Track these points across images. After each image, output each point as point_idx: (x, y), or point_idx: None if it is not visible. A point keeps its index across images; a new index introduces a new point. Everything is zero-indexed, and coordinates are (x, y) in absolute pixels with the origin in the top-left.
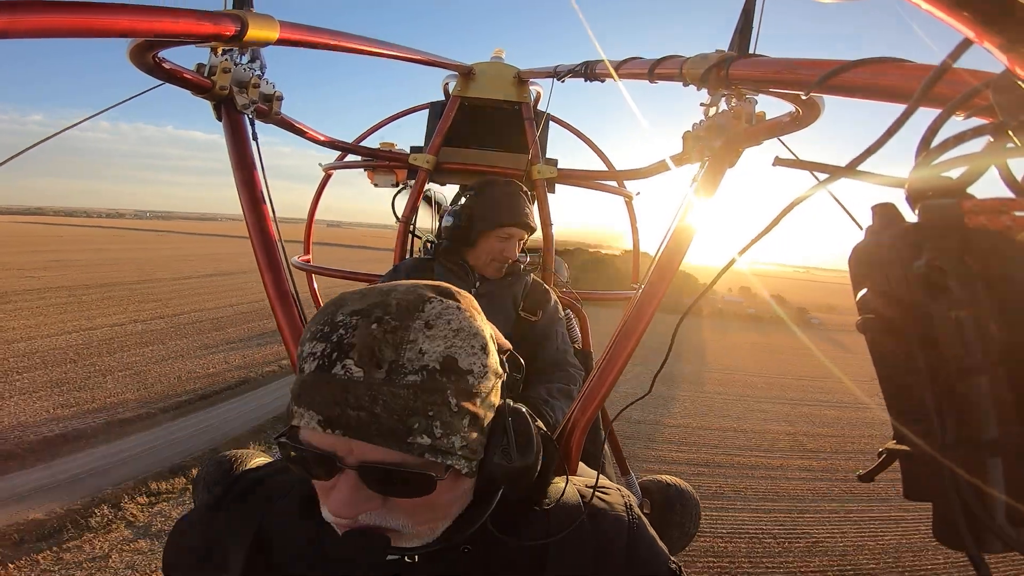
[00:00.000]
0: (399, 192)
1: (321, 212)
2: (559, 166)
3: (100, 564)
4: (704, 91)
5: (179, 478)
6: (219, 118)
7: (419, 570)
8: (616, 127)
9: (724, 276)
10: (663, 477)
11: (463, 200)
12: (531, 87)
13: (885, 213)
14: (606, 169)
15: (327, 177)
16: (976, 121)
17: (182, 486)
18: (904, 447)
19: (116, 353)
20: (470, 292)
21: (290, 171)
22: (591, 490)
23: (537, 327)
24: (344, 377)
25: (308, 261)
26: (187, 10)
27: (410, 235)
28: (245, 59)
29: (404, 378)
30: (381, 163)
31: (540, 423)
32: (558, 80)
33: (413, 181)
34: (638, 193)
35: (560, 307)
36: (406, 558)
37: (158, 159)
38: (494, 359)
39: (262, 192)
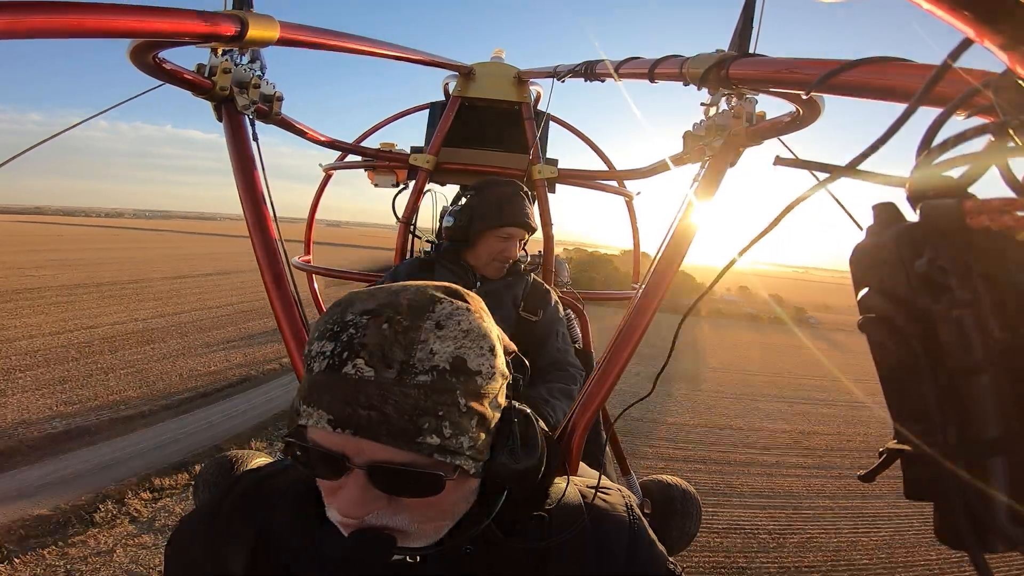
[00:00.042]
0: (399, 192)
1: (321, 212)
2: (559, 166)
3: (105, 559)
4: (704, 91)
5: (182, 474)
6: (219, 119)
7: (421, 570)
8: (616, 127)
9: (724, 276)
10: (664, 477)
11: (463, 200)
12: (531, 87)
13: (886, 213)
14: (606, 169)
15: (327, 177)
16: (977, 120)
17: (185, 482)
18: (905, 447)
19: (117, 351)
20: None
21: (290, 171)
22: (592, 491)
23: (538, 327)
24: (355, 376)
25: (308, 261)
26: (187, 10)
27: (410, 235)
28: (245, 60)
29: (415, 378)
30: (381, 163)
31: (543, 424)
32: (558, 80)
33: (413, 181)
34: (638, 193)
35: (561, 307)
36: (407, 558)
37: (157, 158)
38: (501, 361)
39: (262, 192)
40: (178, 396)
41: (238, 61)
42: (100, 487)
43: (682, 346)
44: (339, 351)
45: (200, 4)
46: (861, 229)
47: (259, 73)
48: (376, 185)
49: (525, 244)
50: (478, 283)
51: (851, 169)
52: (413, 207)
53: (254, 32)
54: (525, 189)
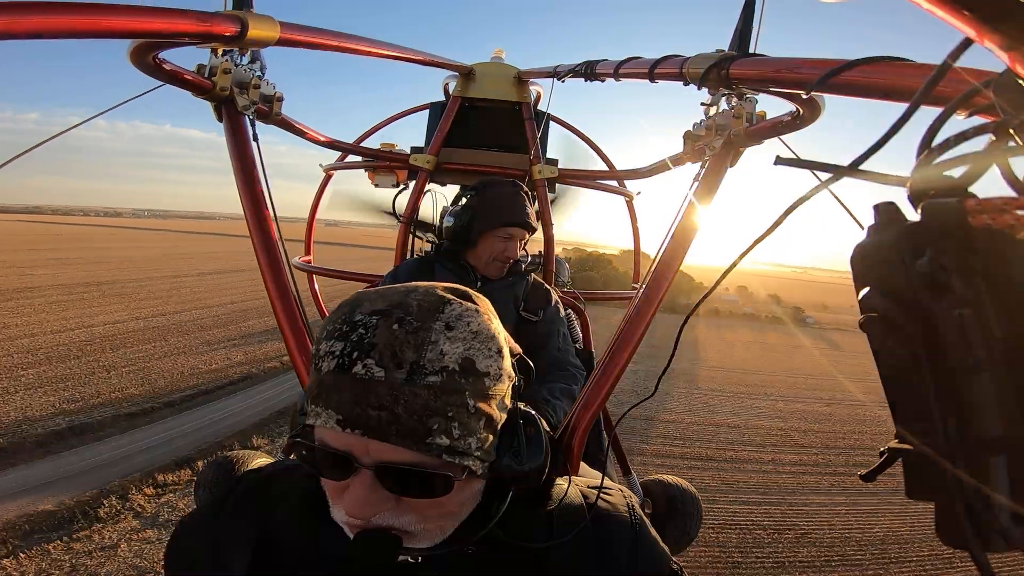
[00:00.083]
0: (399, 192)
1: (320, 211)
2: (559, 166)
3: (109, 553)
4: (704, 91)
5: (184, 470)
6: (220, 119)
7: (423, 571)
8: (616, 127)
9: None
10: (665, 477)
11: (464, 200)
12: (531, 87)
13: (887, 212)
14: (606, 169)
15: (327, 178)
16: (977, 120)
17: (188, 478)
18: (906, 446)
19: (119, 349)
20: None
21: (290, 171)
22: (594, 491)
23: (538, 327)
24: (365, 376)
25: (309, 262)
26: (187, 11)
27: (410, 235)
28: (245, 60)
29: (425, 379)
30: (382, 164)
31: (546, 425)
32: (558, 80)
33: (414, 181)
34: (639, 193)
35: (561, 307)
36: (409, 559)
37: (155, 157)
38: (508, 362)
39: (263, 192)
40: (180, 393)
41: (238, 61)
42: (104, 483)
43: (681, 345)
44: (349, 351)
45: (200, 4)
46: (862, 228)
47: (259, 73)
48: (376, 185)
49: (525, 244)
50: (478, 283)
51: (853, 169)
52: (413, 207)
53: (254, 32)
54: (525, 189)
